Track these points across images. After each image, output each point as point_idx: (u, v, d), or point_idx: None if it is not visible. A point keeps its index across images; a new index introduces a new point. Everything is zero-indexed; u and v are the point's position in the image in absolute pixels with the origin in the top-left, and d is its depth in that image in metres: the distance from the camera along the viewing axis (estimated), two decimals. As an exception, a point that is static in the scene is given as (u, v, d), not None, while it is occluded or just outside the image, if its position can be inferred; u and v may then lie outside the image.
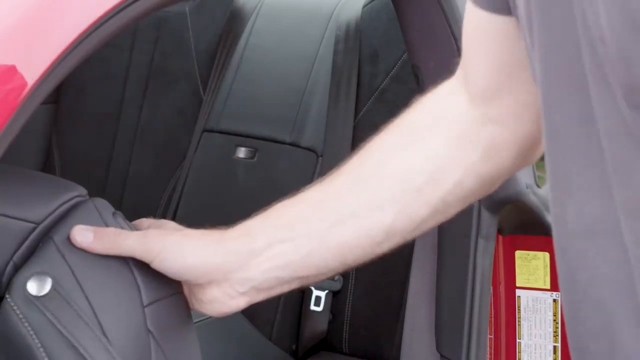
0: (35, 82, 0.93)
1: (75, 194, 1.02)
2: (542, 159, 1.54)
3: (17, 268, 0.99)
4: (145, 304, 0.98)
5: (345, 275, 2.10)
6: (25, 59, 0.94)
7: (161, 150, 2.30)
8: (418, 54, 1.46)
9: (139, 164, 2.31)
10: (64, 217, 1.00)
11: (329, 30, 2.21)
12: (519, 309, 1.53)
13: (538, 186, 1.42)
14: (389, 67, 2.09)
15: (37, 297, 0.95)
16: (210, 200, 2.20)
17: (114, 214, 1.03)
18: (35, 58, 0.94)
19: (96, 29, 0.97)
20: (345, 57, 2.12)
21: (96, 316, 0.96)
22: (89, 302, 0.96)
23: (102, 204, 1.03)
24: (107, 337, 0.95)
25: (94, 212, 1.01)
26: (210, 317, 2.19)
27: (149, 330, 0.98)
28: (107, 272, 0.99)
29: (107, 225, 1.00)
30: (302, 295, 2.10)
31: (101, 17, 0.98)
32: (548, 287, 1.52)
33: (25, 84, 0.92)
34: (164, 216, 2.26)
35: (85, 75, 2.35)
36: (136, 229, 1.03)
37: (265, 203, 2.37)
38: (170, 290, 1.01)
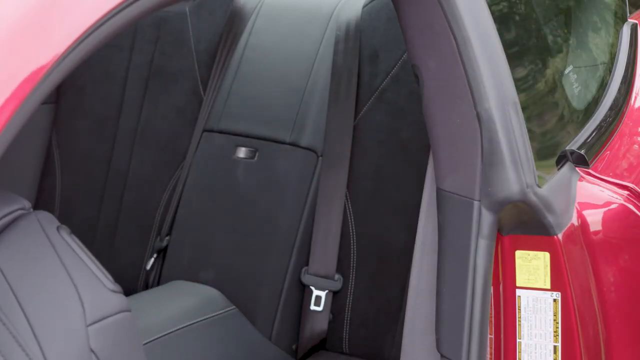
0: (36, 82, 0.93)
1: (17, 206, 0.98)
2: (541, 158, 1.54)
3: None
4: (88, 323, 0.94)
5: (345, 275, 2.10)
6: (25, 58, 0.94)
7: (161, 150, 2.29)
8: (418, 54, 1.46)
9: (139, 164, 2.31)
10: (4, 231, 0.96)
11: (329, 30, 2.20)
12: (519, 309, 1.53)
13: (538, 186, 1.42)
14: (389, 67, 2.09)
15: None
16: (210, 200, 2.20)
17: (58, 228, 0.98)
18: (35, 58, 0.94)
19: (96, 29, 0.97)
20: (345, 57, 2.12)
21: (35, 336, 0.92)
22: (28, 321, 0.92)
23: (46, 217, 0.99)
24: (45, 359, 0.91)
25: (36, 226, 0.97)
26: (209, 316, 2.18)
27: (91, 350, 0.94)
28: (49, 288, 0.95)
29: (49, 240, 0.96)
30: (302, 295, 2.10)
31: (101, 18, 0.98)
32: (548, 287, 1.52)
33: (25, 83, 0.92)
34: (164, 216, 2.26)
35: (85, 75, 2.35)
36: (81, 246, 0.98)
37: (265, 203, 2.37)
38: (116, 308, 0.97)
